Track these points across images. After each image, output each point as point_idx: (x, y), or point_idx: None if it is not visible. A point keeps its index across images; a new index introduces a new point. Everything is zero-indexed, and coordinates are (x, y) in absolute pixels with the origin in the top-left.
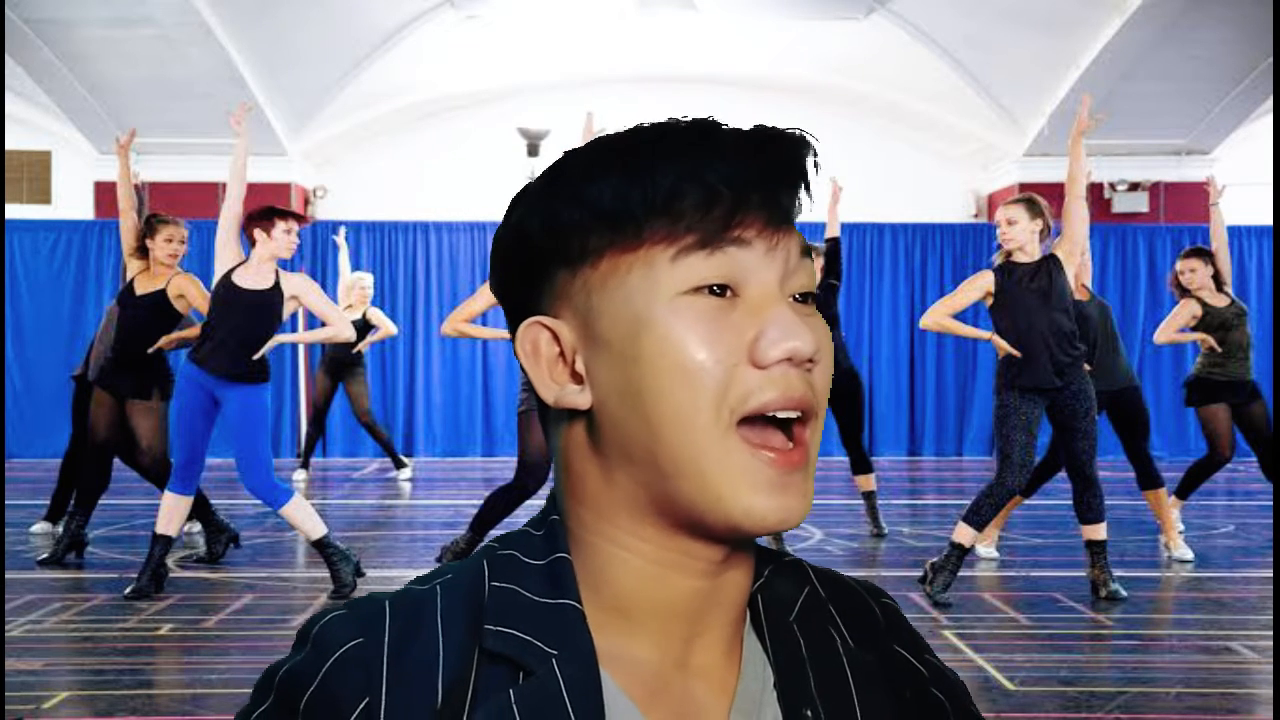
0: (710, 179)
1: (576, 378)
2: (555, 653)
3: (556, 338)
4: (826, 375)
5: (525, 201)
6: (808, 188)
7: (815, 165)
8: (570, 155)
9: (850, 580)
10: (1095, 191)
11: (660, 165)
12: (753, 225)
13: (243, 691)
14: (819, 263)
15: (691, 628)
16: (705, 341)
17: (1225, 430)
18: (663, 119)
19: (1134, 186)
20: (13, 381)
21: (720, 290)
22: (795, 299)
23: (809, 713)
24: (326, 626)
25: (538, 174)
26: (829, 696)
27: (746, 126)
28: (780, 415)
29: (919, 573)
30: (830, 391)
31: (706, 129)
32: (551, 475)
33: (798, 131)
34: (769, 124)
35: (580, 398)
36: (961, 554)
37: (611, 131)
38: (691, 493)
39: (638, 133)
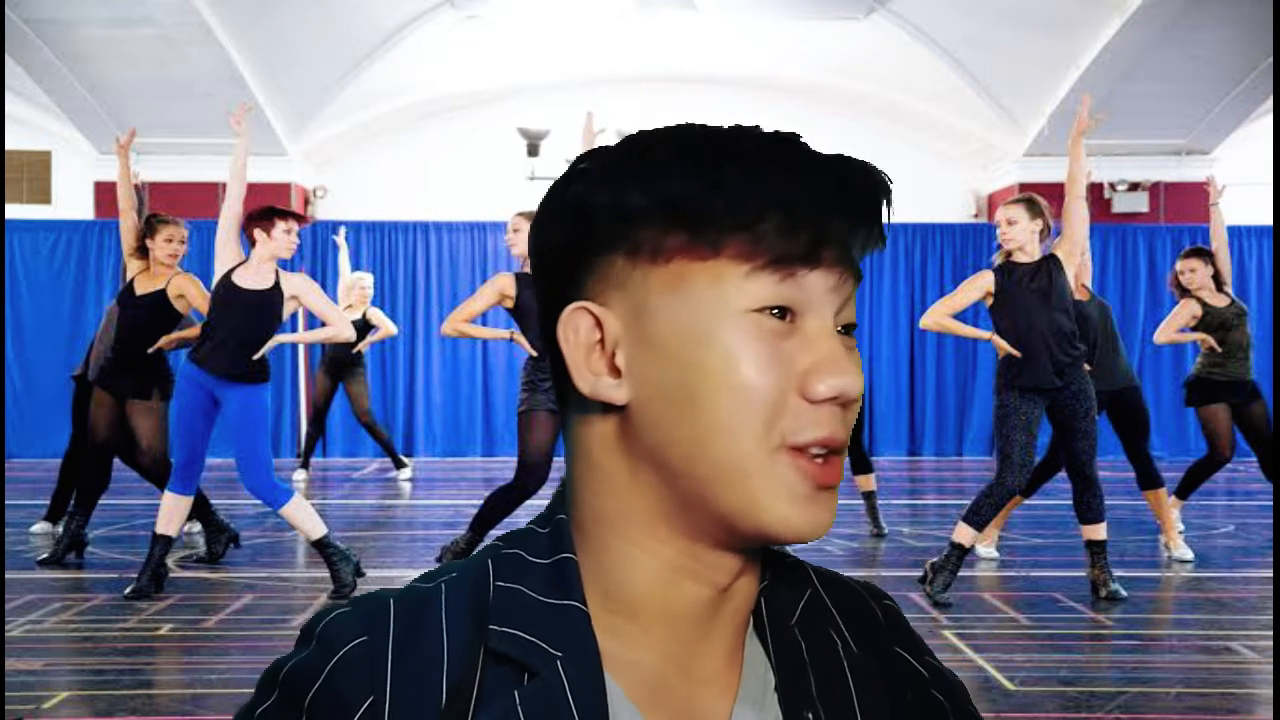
0: (796, 203)
1: (614, 370)
2: (560, 654)
3: (599, 324)
4: (856, 409)
5: (593, 175)
6: (882, 232)
7: (889, 210)
8: (648, 137)
9: (851, 581)
10: (1095, 191)
11: (747, 179)
12: (826, 259)
13: (243, 691)
14: None
15: (698, 633)
16: (762, 364)
17: (1225, 430)
18: (749, 124)
19: (1134, 186)
20: (13, 381)
21: (780, 314)
22: (840, 331)
23: (809, 715)
24: (331, 624)
25: (538, 174)
26: (830, 699)
27: (829, 152)
28: (815, 451)
29: (919, 573)
30: None
31: (793, 149)
32: (561, 472)
33: (879, 172)
34: (797, 132)
35: (617, 392)
36: (961, 554)
37: (686, 123)
38: (729, 499)
39: (722, 136)
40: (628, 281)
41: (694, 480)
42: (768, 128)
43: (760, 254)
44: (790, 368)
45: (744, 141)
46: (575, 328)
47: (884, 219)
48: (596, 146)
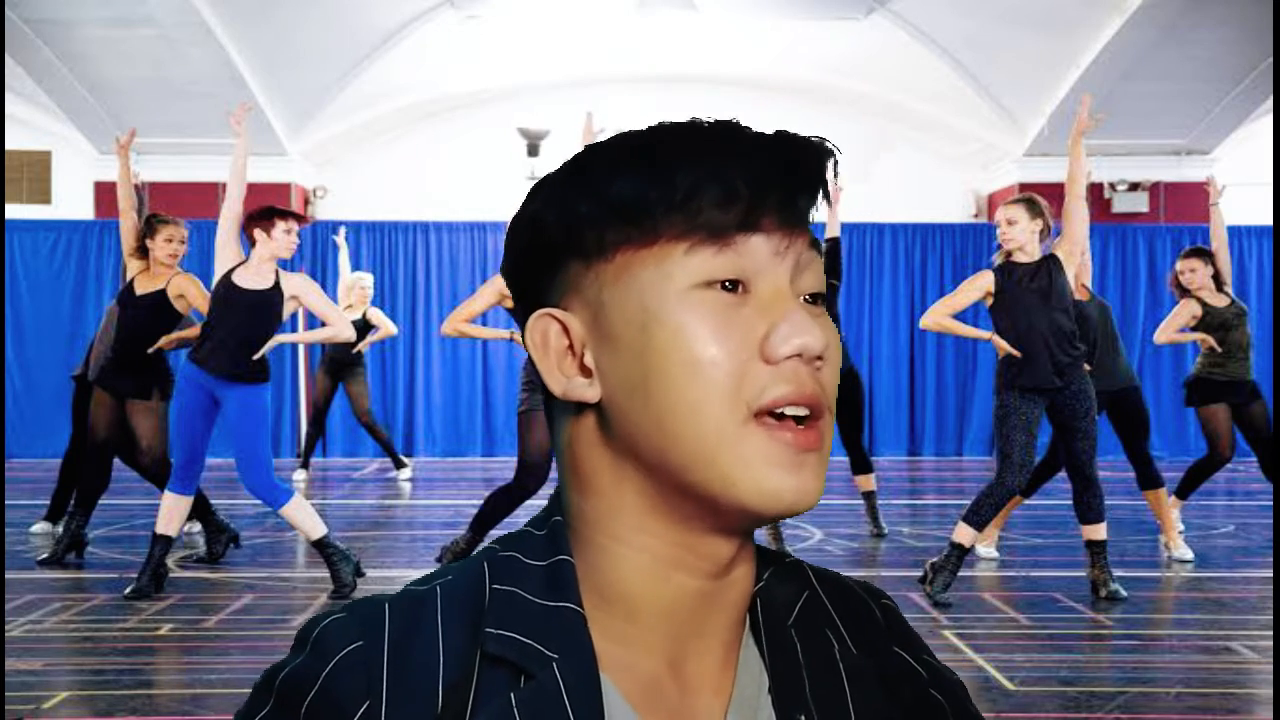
0: (730, 178)
1: (585, 371)
2: (556, 656)
3: (566, 330)
4: (834, 373)
5: (544, 192)
6: (826, 194)
7: (835, 173)
8: (592, 151)
9: (850, 581)
10: (1095, 191)
11: (681, 165)
12: (767, 225)
13: (243, 691)
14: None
15: (692, 629)
16: (716, 336)
17: (1225, 430)
18: (684, 118)
19: (1134, 186)
20: (13, 381)
21: (732, 286)
22: (805, 300)
23: (802, 718)
24: (327, 629)
25: (538, 174)
26: (824, 701)
27: (768, 130)
28: (791, 412)
29: (919, 573)
30: None
31: (729, 130)
32: (555, 474)
33: (820, 139)
34: (789, 129)
35: (589, 391)
36: (961, 554)
37: (631, 129)
38: (705, 482)
39: (660, 132)
40: (583, 283)
41: (670, 468)
42: (725, 117)
43: (697, 230)
44: (748, 335)
45: (677, 132)
46: (542, 333)
47: (825, 181)
48: (551, 170)
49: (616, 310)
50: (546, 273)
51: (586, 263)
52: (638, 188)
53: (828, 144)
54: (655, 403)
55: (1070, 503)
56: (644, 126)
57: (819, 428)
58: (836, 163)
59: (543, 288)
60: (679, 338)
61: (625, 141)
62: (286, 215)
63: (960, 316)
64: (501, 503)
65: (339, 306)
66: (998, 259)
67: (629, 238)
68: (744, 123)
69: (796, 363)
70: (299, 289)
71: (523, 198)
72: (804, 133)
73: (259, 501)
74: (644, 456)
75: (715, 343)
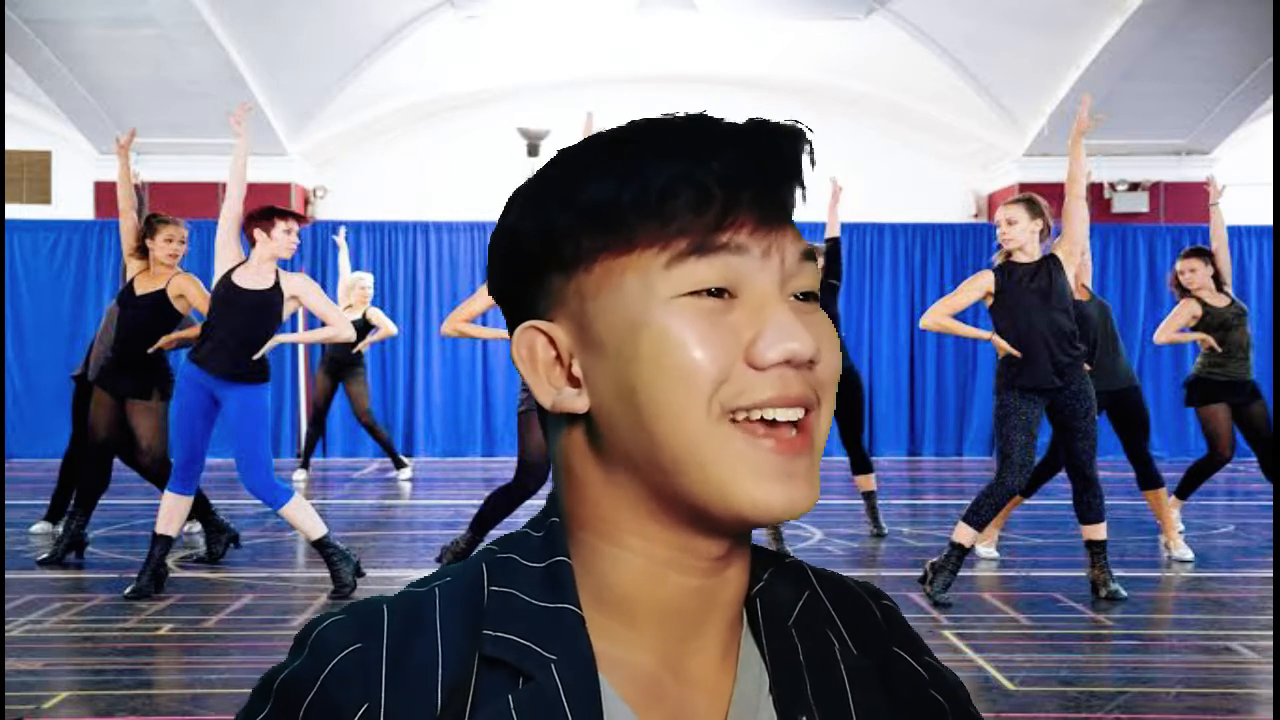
0: (701, 178)
1: (573, 381)
2: (554, 658)
3: (552, 341)
4: (831, 368)
5: (519, 204)
6: (802, 183)
7: (811, 159)
8: (562, 155)
9: (850, 582)
10: (1095, 191)
11: (651, 164)
12: (744, 226)
13: (243, 691)
14: (819, 263)
15: (690, 629)
16: (702, 340)
17: (1225, 430)
18: (655, 114)
19: (1134, 186)
20: (13, 381)
21: (717, 293)
22: (796, 298)
23: (804, 718)
24: (325, 631)
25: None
26: (825, 701)
27: (740, 120)
28: (782, 417)
29: (919, 573)
30: None
31: (699, 124)
32: (551, 475)
33: (793, 124)
34: (764, 117)
35: (578, 401)
36: (961, 554)
37: (600, 130)
38: (695, 487)
39: (629, 130)
40: (565, 294)
41: (661, 473)
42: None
43: (674, 238)
44: (736, 340)
45: (647, 130)
46: (528, 346)
47: (801, 171)
48: (529, 176)
49: (601, 320)
50: (529, 285)
51: (567, 275)
52: (609, 191)
53: (800, 128)
54: (643, 408)
55: (1070, 503)
56: (614, 125)
57: (809, 426)
58: (811, 148)
59: (528, 299)
60: (664, 344)
61: (594, 143)
62: (286, 215)
63: (960, 316)
64: (501, 503)
65: (339, 306)
66: (998, 259)
67: (606, 245)
68: (716, 115)
69: (784, 369)
70: (299, 289)
71: (504, 207)
72: (776, 119)
73: (259, 501)
74: (636, 463)
75: (701, 347)
